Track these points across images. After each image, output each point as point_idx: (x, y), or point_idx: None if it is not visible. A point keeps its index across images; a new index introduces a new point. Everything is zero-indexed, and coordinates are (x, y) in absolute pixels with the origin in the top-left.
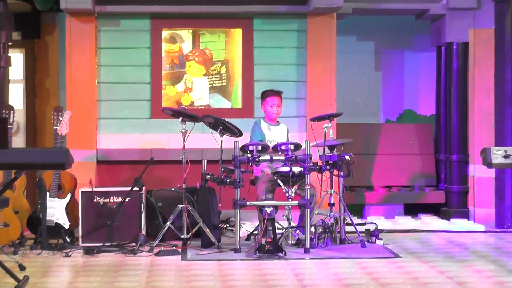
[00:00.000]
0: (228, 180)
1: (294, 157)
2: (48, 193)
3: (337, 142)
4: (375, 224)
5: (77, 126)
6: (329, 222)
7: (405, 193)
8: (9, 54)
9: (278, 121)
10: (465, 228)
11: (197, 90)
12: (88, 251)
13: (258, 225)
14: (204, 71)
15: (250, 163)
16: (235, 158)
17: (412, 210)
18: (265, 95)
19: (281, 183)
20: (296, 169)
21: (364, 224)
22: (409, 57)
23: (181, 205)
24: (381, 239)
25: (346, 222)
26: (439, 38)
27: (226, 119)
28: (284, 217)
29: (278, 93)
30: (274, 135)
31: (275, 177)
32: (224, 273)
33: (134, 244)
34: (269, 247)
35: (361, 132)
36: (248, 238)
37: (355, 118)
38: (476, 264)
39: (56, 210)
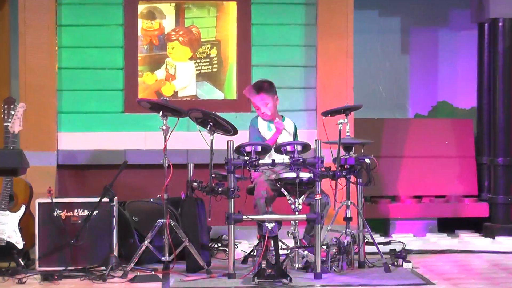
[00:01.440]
0: (220, 189)
1: (301, 160)
2: None
3: (355, 142)
4: (402, 243)
5: (33, 122)
6: (345, 241)
7: (439, 205)
8: None
9: (282, 116)
10: None
11: (181, 78)
12: (47, 277)
13: (257, 244)
14: (190, 54)
15: (248, 168)
16: (229, 162)
17: (448, 225)
18: (249, 96)
19: (285, 192)
20: (305, 175)
21: (389, 243)
22: (444, 36)
23: (162, 220)
24: (409, 261)
25: (366, 240)
26: (482, 13)
27: (218, 114)
28: (289, 234)
29: (260, 90)
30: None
31: (278, 185)
32: None
33: (103, 268)
34: (271, 271)
35: (384, 129)
36: (244, 260)
37: (377, 112)
38: None
39: (7, 226)
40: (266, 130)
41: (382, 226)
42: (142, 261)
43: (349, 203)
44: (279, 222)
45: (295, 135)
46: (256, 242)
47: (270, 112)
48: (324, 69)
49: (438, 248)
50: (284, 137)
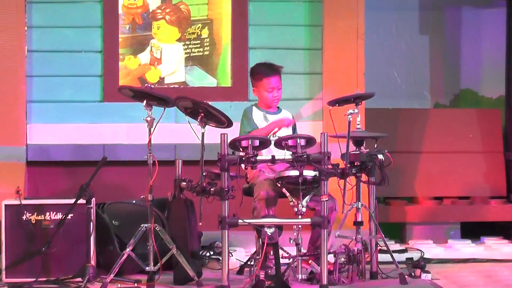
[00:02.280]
0: (212, 189)
1: (305, 156)
2: None
3: (367, 135)
4: (420, 251)
5: None
6: (355, 249)
7: (463, 207)
8: None
9: (278, 107)
10: None
11: (168, 62)
12: None
13: (255, 252)
14: (178, 35)
15: (244, 165)
16: (222, 158)
17: (473, 231)
18: (257, 73)
19: (287, 193)
20: (309, 173)
21: (405, 251)
22: (468, 14)
23: (146, 225)
24: (428, 272)
25: (379, 248)
26: None
27: (210, 103)
28: (291, 241)
29: (277, 70)
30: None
31: (279, 185)
32: None
33: (79, 279)
34: (270, 283)
35: (400, 121)
36: (240, 270)
37: (391, 101)
38: None
39: None
40: (262, 121)
41: (397, 231)
42: (124, 271)
43: (359, 206)
44: (279, 227)
45: (293, 128)
46: (254, 250)
47: (280, 98)
48: (331, 52)
49: (461, 257)
50: (283, 130)
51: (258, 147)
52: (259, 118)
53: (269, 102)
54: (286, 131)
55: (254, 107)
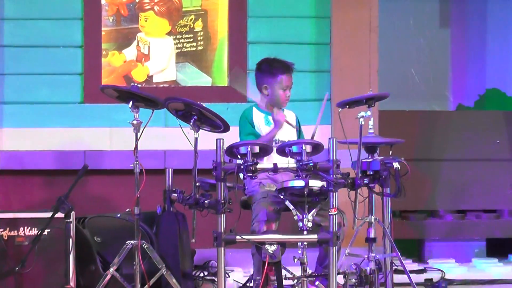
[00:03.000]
0: (206, 202)
1: (311, 164)
2: None
3: (381, 141)
4: (441, 271)
5: None
6: (368, 268)
7: (489, 221)
8: None
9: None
10: None
11: (157, 58)
12: None
13: (254, 272)
14: (168, 27)
15: (242, 174)
16: (218, 166)
17: (500, 248)
18: (274, 68)
19: (290, 206)
20: (315, 183)
21: (424, 271)
22: (495, 6)
23: (132, 241)
24: None
25: (394, 268)
26: None
27: (204, 104)
28: (296, 260)
29: (292, 69)
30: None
31: (282, 196)
32: None
33: None
34: None
35: (418, 124)
36: None
37: (408, 102)
38: None
39: None
40: (263, 125)
41: (415, 249)
42: None
43: (372, 220)
44: (282, 245)
45: (299, 132)
46: (253, 270)
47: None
48: (341, 47)
49: (487, 278)
50: (287, 133)
51: (258, 154)
52: (260, 121)
53: (282, 102)
54: (291, 133)
55: (254, 108)
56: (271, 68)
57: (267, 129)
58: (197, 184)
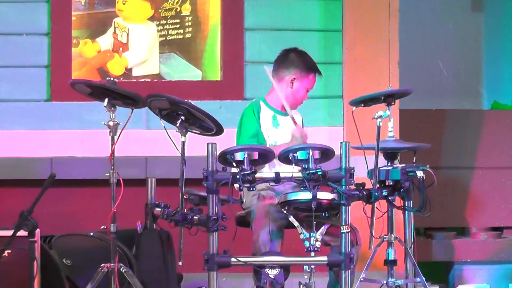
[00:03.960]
0: (195, 218)
1: (320, 173)
2: None
3: (402, 146)
4: None
5: None
6: None
7: None
8: None
9: None
10: None
11: (137, 48)
12: None
13: None
14: (150, 12)
15: (239, 185)
16: (210, 176)
17: None
18: (306, 64)
19: (295, 223)
20: (325, 195)
21: None
22: None
23: (108, 264)
24: None
25: None
26: None
27: (193, 102)
28: (302, 287)
29: (315, 67)
30: (286, 131)
31: (285, 211)
32: None
33: None
34: None
35: (446, 126)
36: None
37: (435, 100)
38: None
39: None
40: (269, 125)
41: (442, 273)
42: None
43: (392, 239)
44: (285, 268)
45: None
46: None
47: None
48: (355, 34)
49: None
50: (287, 136)
51: (257, 162)
52: (268, 119)
53: (299, 103)
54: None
55: (262, 103)
56: (305, 62)
57: (273, 132)
58: (185, 196)
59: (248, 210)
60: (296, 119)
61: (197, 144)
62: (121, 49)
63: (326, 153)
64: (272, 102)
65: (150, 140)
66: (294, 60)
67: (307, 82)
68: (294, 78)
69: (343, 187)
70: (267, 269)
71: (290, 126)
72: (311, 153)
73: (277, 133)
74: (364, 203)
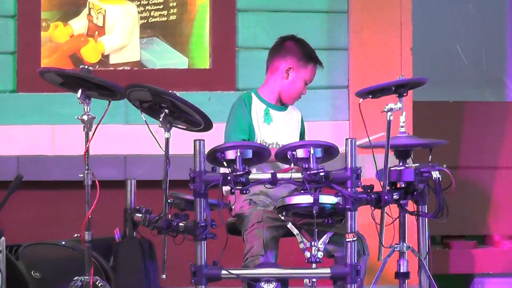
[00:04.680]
0: (181, 225)
1: (323, 174)
2: None
3: (416, 143)
4: None
5: None
6: None
7: None
8: None
9: None
10: None
11: (115, 32)
12: None
13: None
14: None
15: (230, 188)
16: (197, 177)
17: None
18: (305, 53)
19: (294, 230)
20: (328, 199)
21: None
22: None
23: (82, 277)
24: None
25: None
26: None
27: (178, 94)
28: None
29: (316, 58)
30: (280, 128)
31: (283, 217)
32: None
33: None
34: None
35: (466, 120)
36: None
37: (453, 90)
38: None
39: None
40: (261, 121)
41: (461, 287)
42: None
43: (404, 249)
44: (283, 282)
45: (302, 133)
46: None
47: None
48: (362, 16)
49: None
50: (287, 134)
51: (251, 161)
52: (259, 114)
53: (295, 96)
54: (291, 134)
55: (254, 95)
56: (303, 50)
57: (265, 128)
58: (169, 200)
59: (239, 217)
60: (294, 116)
61: (183, 141)
62: (96, 33)
63: (329, 151)
64: (266, 95)
65: (130, 136)
66: (291, 48)
67: (305, 73)
68: (290, 68)
69: (349, 189)
70: (262, 283)
71: (286, 120)
72: (312, 151)
73: (269, 129)
74: (373, 208)
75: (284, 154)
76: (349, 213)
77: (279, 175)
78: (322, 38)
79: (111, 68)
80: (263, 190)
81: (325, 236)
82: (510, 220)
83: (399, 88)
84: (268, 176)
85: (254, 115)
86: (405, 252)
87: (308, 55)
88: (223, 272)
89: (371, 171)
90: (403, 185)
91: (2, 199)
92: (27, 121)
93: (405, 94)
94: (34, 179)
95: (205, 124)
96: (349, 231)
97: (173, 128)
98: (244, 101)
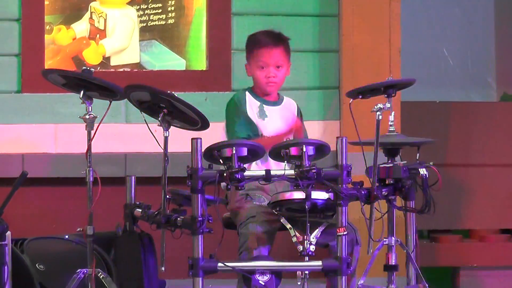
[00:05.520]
0: (179, 219)
1: (315, 171)
2: None
3: (404, 141)
4: None
5: None
6: None
7: None
8: None
9: (279, 94)
10: None
11: (116, 35)
12: None
13: None
14: None
15: (227, 184)
16: (195, 174)
17: None
18: (251, 41)
19: (288, 225)
20: (320, 195)
21: None
22: None
23: (84, 270)
24: None
25: None
26: None
27: (176, 94)
28: None
29: (278, 40)
30: (275, 123)
31: (276, 212)
32: None
33: None
34: None
35: (452, 120)
36: None
37: (440, 91)
38: None
39: None
40: (255, 117)
41: (448, 279)
42: None
43: (393, 242)
44: (277, 274)
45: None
46: None
47: (280, 83)
48: (353, 20)
49: None
50: (282, 128)
51: (246, 158)
52: (253, 110)
53: (262, 85)
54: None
55: (247, 93)
56: (249, 41)
57: (261, 123)
58: (168, 196)
59: (234, 212)
60: (289, 108)
61: (181, 140)
62: (98, 36)
63: (321, 149)
64: (257, 91)
65: (130, 135)
66: (247, 46)
67: (255, 60)
68: (248, 65)
69: (340, 186)
70: (257, 275)
71: (279, 115)
72: (304, 149)
73: (265, 124)
74: (362, 204)
75: (278, 152)
76: (340, 208)
77: (272, 172)
78: (314, 41)
79: (111, 70)
80: (259, 186)
81: (317, 230)
82: (494, 215)
83: (388, 89)
84: (262, 173)
85: (250, 111)
86: (393, 246)
87: (250, 44)
88: (219, 264)
89: (361, 168)
90: (391, 182)
91: (7, 195)
92: (31, 120)
93: (393, 94)
94: (38, 176)
95: (202, 123)
96: (340, 226)
97: (171, 127)
98: (236, 102)
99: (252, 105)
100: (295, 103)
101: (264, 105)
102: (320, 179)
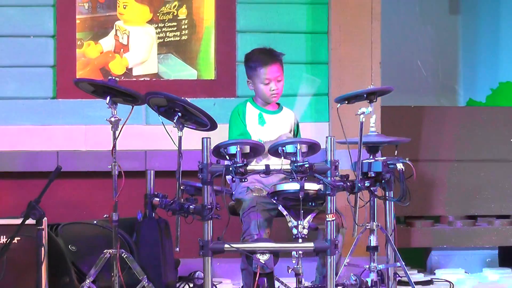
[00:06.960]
0: (191, 207)
1: (307, 165)
2: None
3: (384, 140)
4: (450, 282)
5: None
6: (369, 279)
7: (502, 228)
8: None
9: (279, 104)
10: None
11: (137, 49)
12: None
13: (244, 284)
14: (149, 15)
15: (232, 177)
16: (205, 168)
17: None
18: (252, 61)
19: (284, 211)
20: (312, 186)
21: (430, 282)
22: None
23: (110, 251)
24: None
25: (398, 279)
26: None
27: (189, 100)
28: (290, 271)
29: (276, 58)
30: (272, 129)
31: (274, 201)
32: None
33: None
34: None
35: (424, 122)
36: None
37: (414, 97)
38: None
39: None
40: (255, 124)
41: (421, 258)
42: None
43: (374, 227)
44: (275, 254)
45: (296, 131)
46: (242, 285)
47: (281, 93)
48: (340, 36)
49: None
50: (279, 133)
51: (249, 155)
52: (253, 119)
53: (267, 97)
54: (285, 133)
55: (249, 104)
56: (250, 61)
57: (260, 129)
58: (181, 187)
59: (237, 201)
60: (287, 117)
61: (192, 139)
62: (122, 50)
63: (312, 147)
64: (259, 101)
65: (149, 135)
66: (245, 62)
67: (258, 78)
68: (248, 81)
69: (329, 178)
70: (258, 255)
71: (278, 122)
72: (298, 147)
73: (263, 130)
74: (348, 193)
75: (275, 150)
76: (329, 197)
77: (271, 167)
78: (307, 54)
79: (133, 79)
80: (259, 180)
81: (309, 216)
82: (460, 203)
83: (370, 95)
84: (262, 167)
85: (249, 120)
86: (374, 230)
87: (253, 63)
88: (226, 246)
89: (347, 163)
90: (373, 175)
91: (44, 186)
92: (64, 122)
93: (375, 100)
94: (71, 170)
95: (211, 125)
96: (329, 212)
97: (185, 128)
98: (238, 112)
99: (252, 113)
100: (293, 114)
101: (263, 113)
102: (312, 172)
